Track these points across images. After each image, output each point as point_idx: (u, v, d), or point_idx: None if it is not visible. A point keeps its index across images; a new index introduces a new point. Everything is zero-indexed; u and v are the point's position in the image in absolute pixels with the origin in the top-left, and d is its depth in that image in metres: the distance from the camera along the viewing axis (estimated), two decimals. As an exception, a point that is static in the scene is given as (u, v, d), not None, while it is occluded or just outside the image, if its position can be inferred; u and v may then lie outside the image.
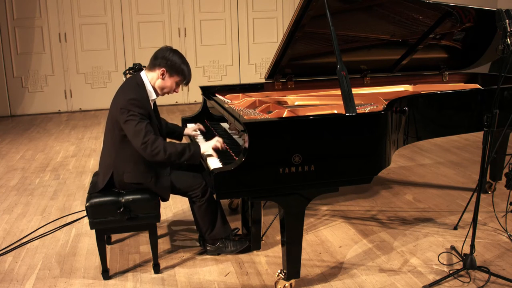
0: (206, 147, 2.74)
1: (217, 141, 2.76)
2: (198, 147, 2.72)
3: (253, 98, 3.38)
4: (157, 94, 2.85)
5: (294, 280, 2.66)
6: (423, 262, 2.97)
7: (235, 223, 3.49)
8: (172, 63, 2.76)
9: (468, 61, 4.00)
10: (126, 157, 2.77)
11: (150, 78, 2.81)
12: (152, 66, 2.80)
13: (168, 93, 2.86)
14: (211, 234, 3.00)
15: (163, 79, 2.79)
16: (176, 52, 2.81)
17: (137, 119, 2.64)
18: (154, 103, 2.92)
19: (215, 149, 2.75)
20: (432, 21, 3.46)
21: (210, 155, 2.74)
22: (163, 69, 2.77)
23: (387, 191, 4.17)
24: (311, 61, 3.64)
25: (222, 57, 8.43)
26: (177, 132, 3.28)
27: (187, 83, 2.87)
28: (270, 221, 3.42)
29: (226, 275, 2.87)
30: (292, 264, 2.62)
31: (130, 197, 2.76)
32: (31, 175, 4.80)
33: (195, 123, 3.49)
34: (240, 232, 3.27)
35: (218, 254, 3.07)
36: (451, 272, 2.79)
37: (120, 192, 2.81)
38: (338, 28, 2.99)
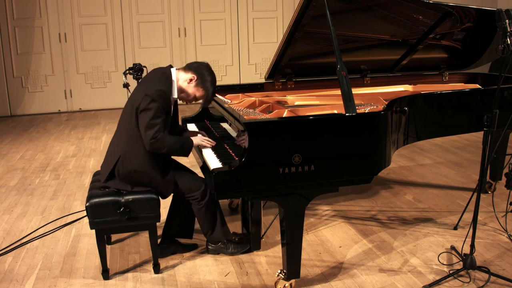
0: (198, 141, 2.90)
1: (201, 140, 2.90)
2: (192, 142, 2.85)
3: (253, 98, 3.38)
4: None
5: (294, 280, 2.66)
6: (423, 262, 2.97)
7: (235, 223, 3.49)
8: (205, 78, 2.85)
9: (468, 61, 4.00)
10: (139, 144, 2.77)
11: (179, 77, 2.85)
12: (187, 68, 2.87)
13: (182, 99, 2.91)
14: (211, 236, 3.01)
15: (189, 83, 2.84)
16: (213, 73, 2.90)
17: (156, 113, 2.68)
18: (176, 101, 2.94)
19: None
20: (432, 21, 3.46)
21: (205, 148, 2.89)
22: (195, 76, 2.83)
23: (387, 191, 4.17)
24: (311, 61, 3.64)
25: (222, 57, 8.43)
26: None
27: (204, 102, 2.97)
28: (270, 221, 3.42)
29: (226, 275, 2.87)
30: (292, 264, 2.62)
31: (130, 197, 2.76)
32: (31, 175, 4.80)
33: (195, 123, 3.49)
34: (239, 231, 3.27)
35: (218, 254, 3.07)
36: (451, 272, 2.79)
37: (120, 192, 2.81)
38: (338, 28, 2.99)
